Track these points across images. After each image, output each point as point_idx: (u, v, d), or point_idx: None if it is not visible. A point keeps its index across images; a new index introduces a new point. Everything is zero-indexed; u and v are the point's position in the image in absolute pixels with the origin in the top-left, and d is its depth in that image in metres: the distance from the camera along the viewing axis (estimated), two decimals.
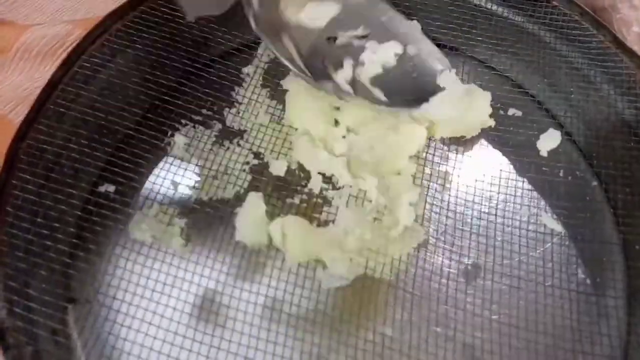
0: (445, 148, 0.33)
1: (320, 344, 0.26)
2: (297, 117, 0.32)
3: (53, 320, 0.25)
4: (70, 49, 0.31)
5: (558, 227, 0.30)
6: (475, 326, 0.27)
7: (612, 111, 0.32)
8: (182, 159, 0.31)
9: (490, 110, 0.32)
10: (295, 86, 0.33)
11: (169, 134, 0.31)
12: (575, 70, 0.34)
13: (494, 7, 0.36)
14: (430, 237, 0.29)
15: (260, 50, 0.35)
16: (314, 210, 0.30)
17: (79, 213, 0.28)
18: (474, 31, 0.35)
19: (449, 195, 0.31)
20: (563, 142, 0.33)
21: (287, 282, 0.27)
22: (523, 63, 0.35)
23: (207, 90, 0.33)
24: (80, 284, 0.27)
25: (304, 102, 0.32)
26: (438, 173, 0.31)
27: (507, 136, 0.33)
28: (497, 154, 0.33)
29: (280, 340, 0.26)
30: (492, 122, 0.32)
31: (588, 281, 0.28)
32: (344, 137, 0.32)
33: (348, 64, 0.32)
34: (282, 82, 0.33)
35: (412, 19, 0.34)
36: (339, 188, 0.31)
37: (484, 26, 0.35)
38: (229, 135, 0.32)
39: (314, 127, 0.32)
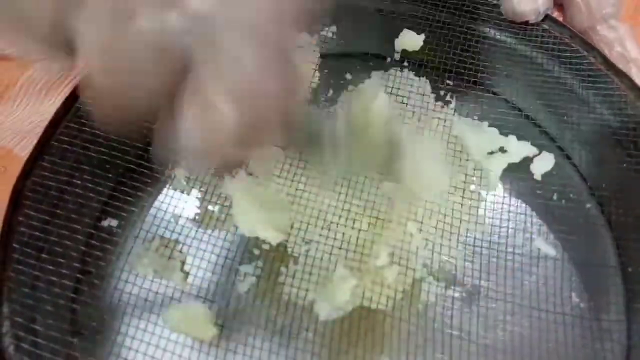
0: None
1: None
2: (246, 225, 0.29)
3: (60, 355, 0.26)
4: (73, 83, 0.32)
5: (553, 251, 0.30)
6: (471, 353, 0.27)
7: (606, 132, 0.32)
8: (182, 191, 0.31)
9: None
10: (239, 188, 0.30)
11: (169, 167, 0.32)
12: (568, 92, 0.34)
13: (487, 30, 0.36)
14: (425, 264, 0.30)
15: None
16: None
17: (83, 248, 0.29)
18: (466, 54, 0.35)
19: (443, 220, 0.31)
20: (558, 164, 0.33)
21: (285, 313, 0.28)
22: (517, 85, 0.35)
23: None
24: (86, 318, 0.27)
25: (253, 206, 0.29)
26: None
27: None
28: None
29: None
30: None
31: (584, 305, 0.29)
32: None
33: None
34: (223, 186, 0.30)
35: None
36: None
37: (476, 49, 0.36)
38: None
39: (270, 237, 0.29)
